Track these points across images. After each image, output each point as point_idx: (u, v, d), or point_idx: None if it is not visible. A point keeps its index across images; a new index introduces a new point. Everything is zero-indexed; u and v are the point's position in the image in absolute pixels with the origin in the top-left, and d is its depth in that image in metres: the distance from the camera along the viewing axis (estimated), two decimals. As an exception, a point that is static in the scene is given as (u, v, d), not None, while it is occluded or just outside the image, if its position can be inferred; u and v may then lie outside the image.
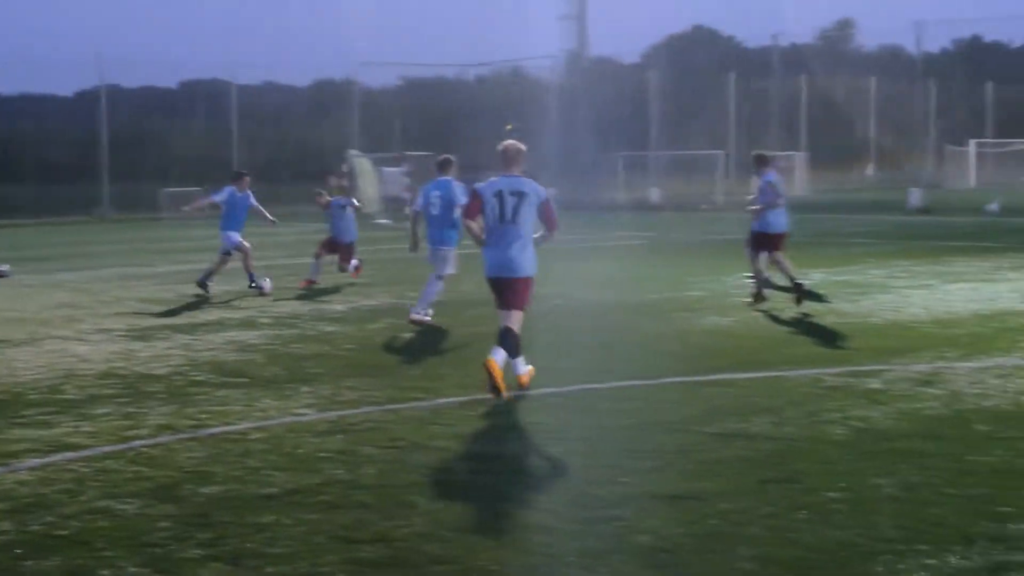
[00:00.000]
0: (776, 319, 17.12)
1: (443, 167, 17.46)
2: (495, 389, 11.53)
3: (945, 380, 12.23)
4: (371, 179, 48.83)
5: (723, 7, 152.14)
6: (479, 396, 11.69)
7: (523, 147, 12.52)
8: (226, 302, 20.22)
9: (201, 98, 72.63)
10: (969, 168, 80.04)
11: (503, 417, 10.85)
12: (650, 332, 16.15)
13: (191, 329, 16.95)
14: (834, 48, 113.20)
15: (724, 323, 16.77)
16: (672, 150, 65.48)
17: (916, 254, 27.80)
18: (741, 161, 71.30)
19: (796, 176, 66.46)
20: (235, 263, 22.18)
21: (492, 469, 9.03)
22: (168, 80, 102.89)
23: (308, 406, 11.49)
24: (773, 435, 9.99)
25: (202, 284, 21.55)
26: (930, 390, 11.72)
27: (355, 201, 24.69)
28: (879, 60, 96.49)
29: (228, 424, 10.72)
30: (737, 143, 70.68)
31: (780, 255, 19.08)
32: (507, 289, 12.21)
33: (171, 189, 53.75)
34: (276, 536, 7.52)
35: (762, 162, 20.01)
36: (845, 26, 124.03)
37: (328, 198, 24.35)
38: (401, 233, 38.77)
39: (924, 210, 48.38)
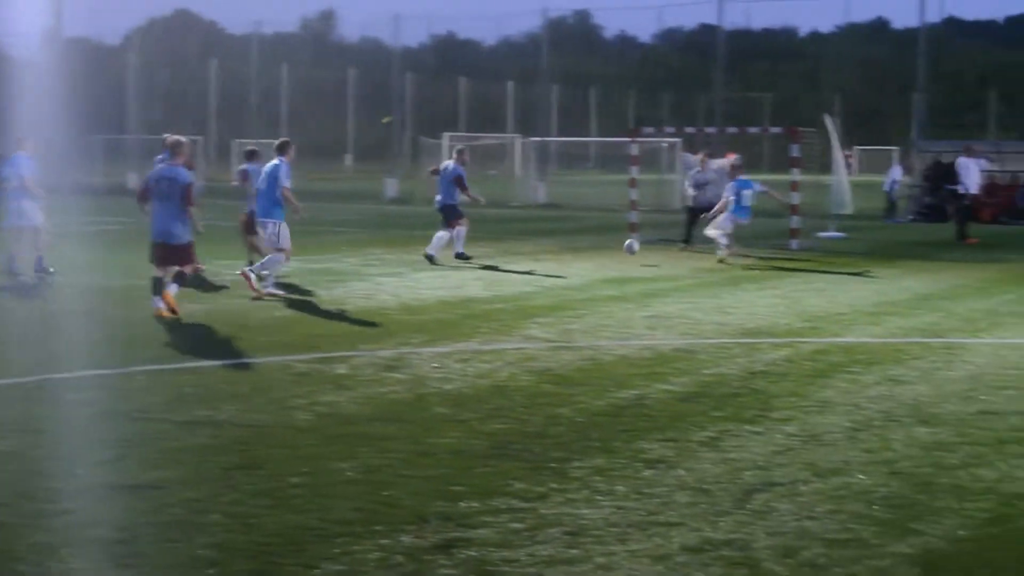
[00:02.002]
0: (251, 307, 17.12)
1: (280, 149, 19.03)
2: (172, 312, 15.45)
3: (410, 365, 12.62)
4: None
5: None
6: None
7: (183, 140, 16.45)
8: None
9: None
10: (443, 160, 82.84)
11: (-43, 410, 10.32)
12: (119, 319, 15.78)
13: None
14: (316, 38, 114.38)
15: (197, 310, 16.61)
16: (153, 135, 64.23)
17: (390, 243, 28.57)
18: (222, 147, 70.94)
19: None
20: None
21: (-59, 465, 8.58)
22: None
23: None
24: (240, 422, 10.00)
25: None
26: (395, 375, 12.07)
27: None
28: (359, 51, 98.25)
29: None
30: (218, 130, 70.24)
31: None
32: (168, 252, 15.80)
33: None
34: None
35: (253, 156, 21.60)
36: (327, 17, 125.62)
37: None
38: None
39: (399, 200, 49.80)
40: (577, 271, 22.40)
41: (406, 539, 7.09)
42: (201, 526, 7.30)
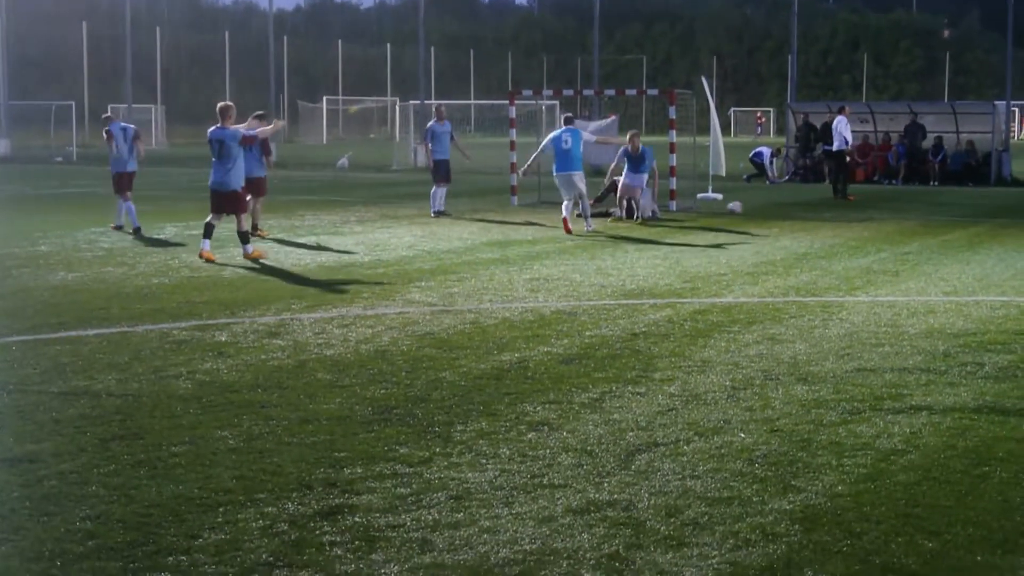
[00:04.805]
0: (126, 275, 16.85)
1: (568, 120, 23.73)
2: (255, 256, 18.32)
3: (291, 331, 12.52)
4: None
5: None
6: None
7: (231, 104, 18.71)
8: None
9: None
10: (322, 124, 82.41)
11: None
12: (-8, 290, 15.46)
13: None
14: (188, 1, 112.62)
15: (72, 278, 16.33)
16: (22, 99, 62.87)
17: (268, 208, 28.21)
18: (95, 113, 69.62)
19: (153, 130, 65.82)
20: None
21: None
22: None
23: None
24: (118, 392, 9.84)
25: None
26: (276, 341, 11.96)
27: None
28: (233, 15, 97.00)
29: None
30: (91, 95, 68.93)
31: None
32: (222, 199, 18.51)
33: None
34: None
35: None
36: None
37: None
38: None
39: (278, 164, 49.25)
40: (458, 234, 22.36)
41: (290, 506, 7.04)
42: (79, 498, 7.18)
